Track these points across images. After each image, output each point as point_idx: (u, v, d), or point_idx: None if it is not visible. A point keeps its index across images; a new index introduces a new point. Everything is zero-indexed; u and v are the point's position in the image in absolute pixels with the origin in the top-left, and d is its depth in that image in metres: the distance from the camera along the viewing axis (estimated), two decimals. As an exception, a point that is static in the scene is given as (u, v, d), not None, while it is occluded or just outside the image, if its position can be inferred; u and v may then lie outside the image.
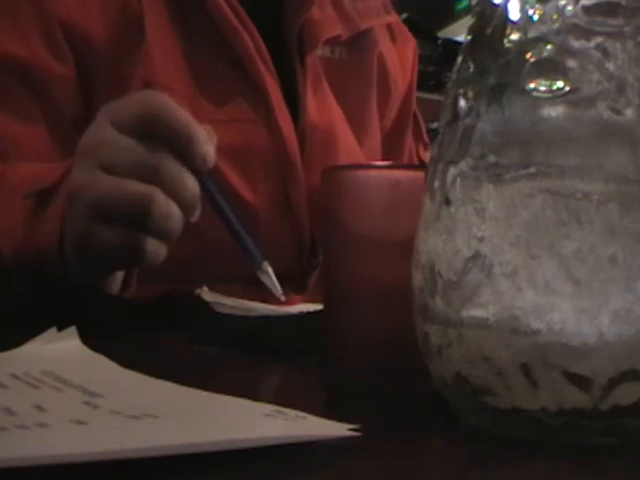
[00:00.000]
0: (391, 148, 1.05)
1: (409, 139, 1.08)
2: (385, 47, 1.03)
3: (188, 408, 0.35)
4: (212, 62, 0.86)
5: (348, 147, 0.94)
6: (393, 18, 1.06)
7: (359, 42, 0.98)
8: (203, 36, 0.86)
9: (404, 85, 1.06)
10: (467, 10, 2.75)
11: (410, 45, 1.09)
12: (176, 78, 0.84)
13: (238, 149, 0.84)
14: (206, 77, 0.86)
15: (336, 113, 0.93)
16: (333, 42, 0.94)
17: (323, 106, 0.91)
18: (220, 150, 0.84)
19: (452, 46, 2.31)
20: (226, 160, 0.83)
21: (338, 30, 0.94)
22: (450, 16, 2.78)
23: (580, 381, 0.32)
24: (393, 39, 1.06)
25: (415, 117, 1.09)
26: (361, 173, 0.45)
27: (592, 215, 0.32)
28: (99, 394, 0.36)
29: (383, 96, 1.03)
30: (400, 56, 1.06)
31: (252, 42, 0.86)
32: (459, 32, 2.60)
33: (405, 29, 1.10)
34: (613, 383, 0.32)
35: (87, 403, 0.34)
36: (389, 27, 1.05)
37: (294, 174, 0.87)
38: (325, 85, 0.92)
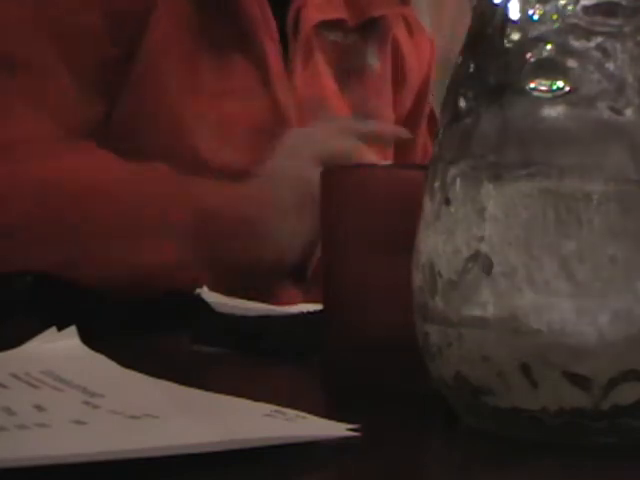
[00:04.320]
0: (404, 141, 1.06)
1: (422, 134, 1.09)
2: (401, 35, 1.04)
3: (188, 408, 0.35)
4: (217, 32, 0.87)
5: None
6: (408, 11, 1.06)
7: (372, 30, 0.99)
8: (213, 11, 0.87)
9: (419, 77, 1.07)
10: (467, 10, 2.74)
11: (427, 42, 1.09)
12: (179, 46, 0.85)
13: (237, 120, 0.85)
14: (210, 48, 0.87)
15: (329, 90, 0.94)
16: (341, 28, 0.95)
17: (312, 81, 0.92)
18: (219, 122, 0.85)
19: (452, 46, 2.31)
20: (226, 131, 0.84)
21: (341, 14, 0.95)
22: (450, 16, 2.78)
23: (580, 381, 0.32)
24: (410, 32, 1.06)
25: (432, 114, 1.10)
26: (361, 173, 0.45)
27: (592, 215, 0.32)
28: (99, 394, 0.36)
29: (397, 82, 1.04)
30: (417, 49, 1.06)
31: (260, 12, 0.87)
32: (459, 32, 2.60)
33: (423, 27, 1.11)
34: (613, 383, 0.32)
35: (87, 403, 0.34)
36: (406, 21, 1.06)
37: None
38: (320, 63, 0.93)
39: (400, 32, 1.04)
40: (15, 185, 0.75)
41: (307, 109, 0.90)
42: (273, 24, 0.88)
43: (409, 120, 1.07)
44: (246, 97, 0.87)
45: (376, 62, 1.00)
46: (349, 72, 0.96)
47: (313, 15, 0.92)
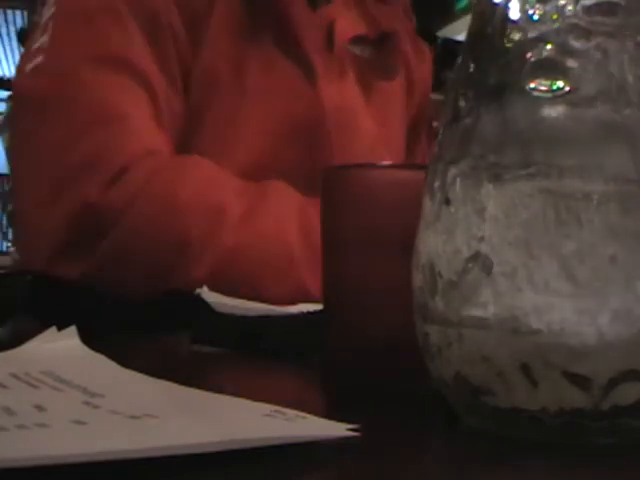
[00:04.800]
0: (408, 145, 1.09)
1: (423, 141, 1.12)
2: (408, 47, 1.09)
3: (188, 408, 0.35)
4: (264, 36, 0.89)
5: (367, 134, 0.97)
6: (413, 25, 1.10)
7: (386, 44, 1.02)
8: (263, 18, 0.89)
9: (423, 85, 1.12)
10: (467, 10, 2.75)
11: (427, 53, 1.15)
12: (228, 47, 0.87)
13: (281, 119, 0.87)
14: (257, 51, 0.88)
15: (356, 100, 0.96)
16: (362, 42, 0.99)
17: (343, 91, 0.95)
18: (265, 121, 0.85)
19: (452, 46, 2.32)
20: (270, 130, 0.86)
21: (364, 29, 0.98)
22: (450, 16, 2.78)
23: (580, 381, 0.32)
24: (413, 44, 1.12)
25: (431, 123, 1.13)
26: (361, 173, 0.45)
27: (592, 215, 0.32)
28: (99, 394, 0.36)
29: (407, 91, 1.09)
30: (419, 59, 1.13)
31: (308, 22, 0.90)
32: (459, 32, 2.61)
33: (422, 40, 1.15)
34: (613, 383, 0.32)
35: (87, 403, 0.34)
36: (410, 34, 1.10)
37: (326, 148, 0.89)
38: (349, 75, 0.96)
39: (407, 45, 1.08)
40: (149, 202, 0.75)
41: (338, 116, 0.92)
42: (320, 35, 0.91)
43: (414, 125, 1.11)
44: (291, 97, 0.88)
45: (392, 74, 1.03)
46: (371, 84, 1.00)
47: (348, 29, 0.96)
